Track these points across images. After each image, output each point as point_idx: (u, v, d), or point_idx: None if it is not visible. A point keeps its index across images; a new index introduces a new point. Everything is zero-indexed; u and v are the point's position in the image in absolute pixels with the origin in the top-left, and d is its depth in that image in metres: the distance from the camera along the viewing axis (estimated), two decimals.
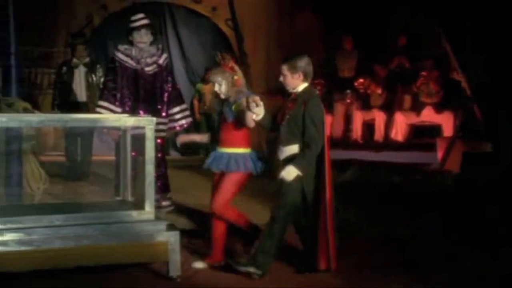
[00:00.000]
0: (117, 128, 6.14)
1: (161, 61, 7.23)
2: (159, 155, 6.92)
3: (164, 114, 7.15)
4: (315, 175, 5.48)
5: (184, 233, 5.77)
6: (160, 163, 6.96)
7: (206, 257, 5.85)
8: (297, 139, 5.46)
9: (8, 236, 4.85)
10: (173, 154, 11.81)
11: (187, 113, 7.43)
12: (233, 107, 5.67)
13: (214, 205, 5.71)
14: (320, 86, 11.96)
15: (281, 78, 5.59)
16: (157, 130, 5.71)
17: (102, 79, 8.69)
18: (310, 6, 13.21)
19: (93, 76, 9.19)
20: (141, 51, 7.14)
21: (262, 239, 5.45)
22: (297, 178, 5.40)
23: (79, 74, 9.21)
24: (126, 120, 5.73)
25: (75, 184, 8.72)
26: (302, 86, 5.54)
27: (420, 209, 7.88)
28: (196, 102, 12.91)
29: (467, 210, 7.78)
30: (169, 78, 7.30)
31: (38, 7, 11.42)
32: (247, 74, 11.86)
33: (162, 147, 7.22)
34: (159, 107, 7.16)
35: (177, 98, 7.33)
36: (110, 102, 7.08)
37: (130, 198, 5.81)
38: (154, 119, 5.45)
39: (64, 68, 9.35)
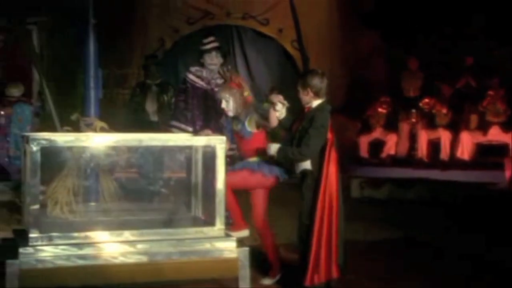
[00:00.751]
0: (189, 147, 6.32)
1: None
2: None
3: None
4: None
5: (252, 249, 5.90)
6: None
7: (271, 273, 5.97)
8: None
9: (86, 250, 4.99)
10: None
11: None
12: (247, 123, 5.76)
13: (254, 222, 5.90)
14: (386, 104, 12.02)
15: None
16: None
17: (173, 99, 8.92)
18: (373, 25, 13.27)
19: (165, 96, 9.39)
20: (212, 73, 7.34)
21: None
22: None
23: (152, 95, 9.47)
24: (198, 139, 5.89)
25: (148, 201, 8.90)
26: (316, 102, 5.50)
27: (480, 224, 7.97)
28: None
29: None
30: None
31: (115, 33, 11.77)
32: None
33: (231, 165, 7.38)
34: None
35: None
36: (182, 122, 7.30)
37: (201, 215, 5.93)
38: (225, 138, 5.56)
39: (138, 89, 9.63)
